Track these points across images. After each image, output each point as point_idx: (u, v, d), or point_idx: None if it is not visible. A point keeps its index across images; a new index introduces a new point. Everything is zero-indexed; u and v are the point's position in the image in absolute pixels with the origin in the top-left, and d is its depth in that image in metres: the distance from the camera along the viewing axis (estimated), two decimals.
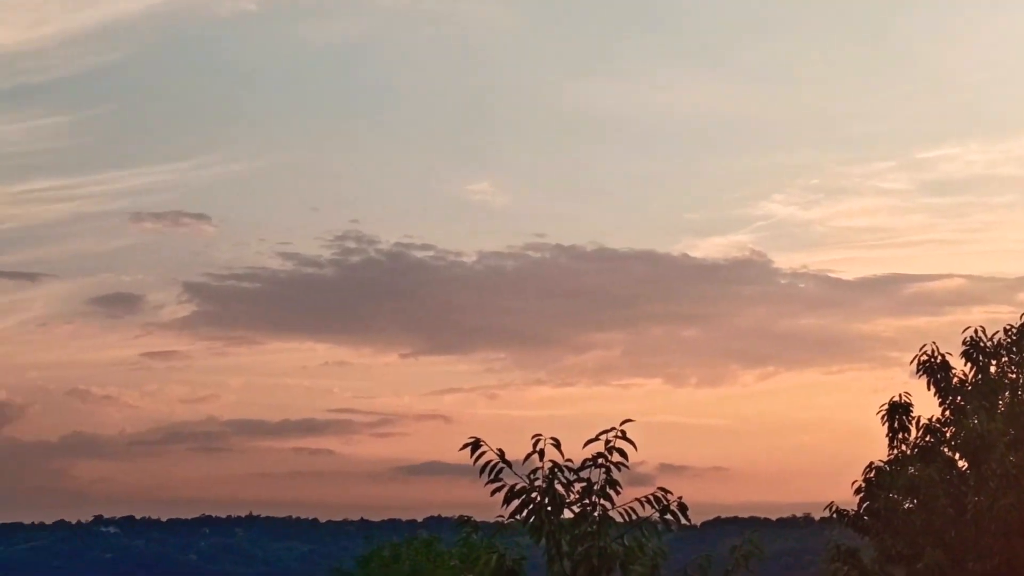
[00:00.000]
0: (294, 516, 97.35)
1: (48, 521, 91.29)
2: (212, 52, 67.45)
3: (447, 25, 68.02)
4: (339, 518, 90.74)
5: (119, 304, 63.96)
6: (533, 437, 6.43)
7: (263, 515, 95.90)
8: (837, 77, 68.23)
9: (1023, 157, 63.32)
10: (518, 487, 6.44)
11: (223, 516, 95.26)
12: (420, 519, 64.62)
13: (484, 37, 68.13)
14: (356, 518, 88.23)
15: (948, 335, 23.81)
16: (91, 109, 65.88)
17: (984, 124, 65.35)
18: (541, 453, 6.37)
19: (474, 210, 65.43)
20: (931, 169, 65.43)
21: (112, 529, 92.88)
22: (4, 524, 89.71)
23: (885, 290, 63.32)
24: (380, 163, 66.20)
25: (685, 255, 64.35)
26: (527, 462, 6.36)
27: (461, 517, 6.80)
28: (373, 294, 65.20)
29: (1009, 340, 23.48)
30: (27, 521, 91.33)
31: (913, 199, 64.74)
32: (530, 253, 64.54)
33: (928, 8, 69.16)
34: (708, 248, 66.24)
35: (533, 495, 6.40)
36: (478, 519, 6.67)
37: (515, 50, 68.82)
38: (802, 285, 64.15)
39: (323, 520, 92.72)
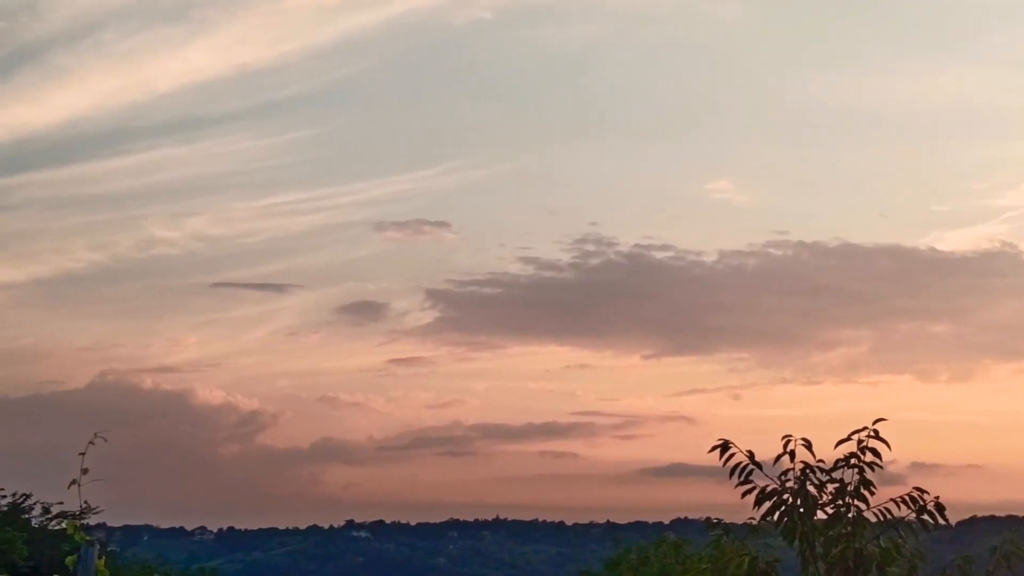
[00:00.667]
0: (540, 519, 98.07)
1: (302, 526, 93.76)
2: (448, 61, 68.57)
3: (680, 24, 67.85)
4: (585, 521, 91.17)
5: (364, 312, 65.53)
6: (783, 438, 6.35)
7: (510, 518, 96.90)
8: None
9: None
10: (769, 489, 6.37)
11: (470, 519, 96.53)
12: (666, 521, 64.62)
13: (718, 34, 67.81)
14: (602, 520, 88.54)
15: None
16: (333, 122, 67.72)
17: None
18: (792, 454, 6.30)
19: (713, 209, 65.37)
20: None
21: (363, 533, 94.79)
22: (260, 529, 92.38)
23: None
24: (617, 165, 66.55)
25: (932, 248, 63.04)
26: (777, 463, 6.29)
27: (710, 519, 6.74)
28: (613, 296, 65.47)
29: None
30: (282, 526, 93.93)
31: None
32: (771, 251, 64.00)
33: None
34: (955, 241, 65.05)
35: (785, 497, 6.32)
36: (726, 521, 6.62)
37: (751, 45, 68.32)
38: None
39: (569, 523, 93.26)
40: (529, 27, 68.18)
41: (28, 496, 22.56)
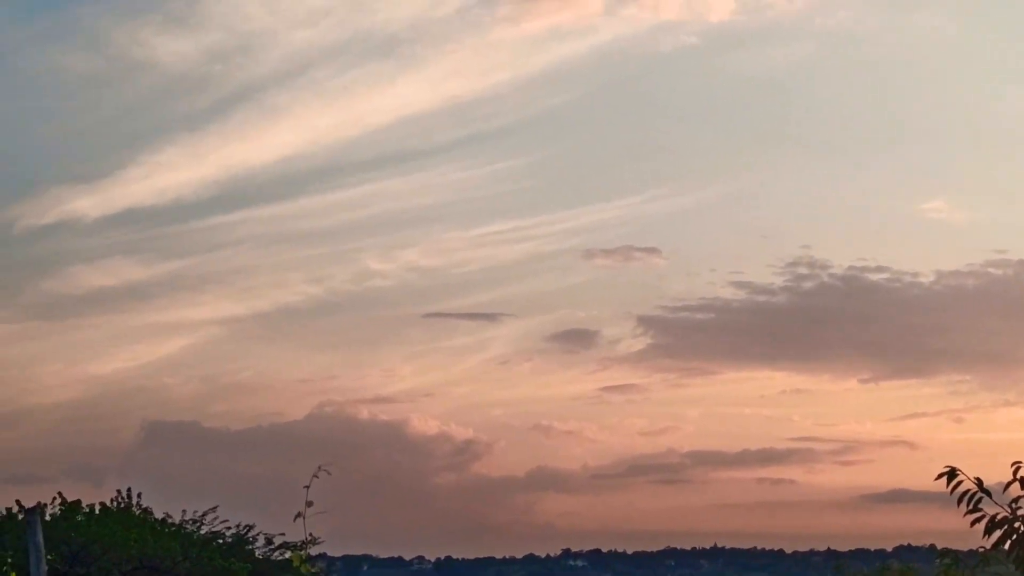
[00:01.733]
0: (759, 547, 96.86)
1: (519, 555, 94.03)
2: (655, 88, 68.52)
3: (887, 41, 66.80)
4: (805, 548, 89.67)
5: (576, 340, 65.78)
6: (1013, 464, 6.16)
7: (728, 546, 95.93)
8: None
9: None
10: (999, 517, 6.19)
11: (687, 548, 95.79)
12: (889, 549, 63.18)
13: (927, 49, 66.54)
14: (822, 548, 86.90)
15: None
16: (542, 151, 68.32)
17: None
18: (1023, 481, 6.10)
19: (929, 228, 64.05)
20: None
21: (580, 563, 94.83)
22: (477, 559, 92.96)
23: None
24: (828, 187, 65.71)
25: None
26: (1007, 490, 6.09)
27: (940, 548, 6.55)
28: (828, 319, 64.61)
29: None
30: (499, 555, 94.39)
31: None
32: (991, 270, 62.38)
33: None
34: None
35: (1016, 525, 6.14)
36: (954, 549, 6.41)
37: (962, 60, 66.89)
38: None
39: (788, 551, 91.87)
40: (734, 50, 67.84)
41: (251, 527, 23.02)
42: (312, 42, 67.73)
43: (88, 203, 72.38)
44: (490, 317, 65.36)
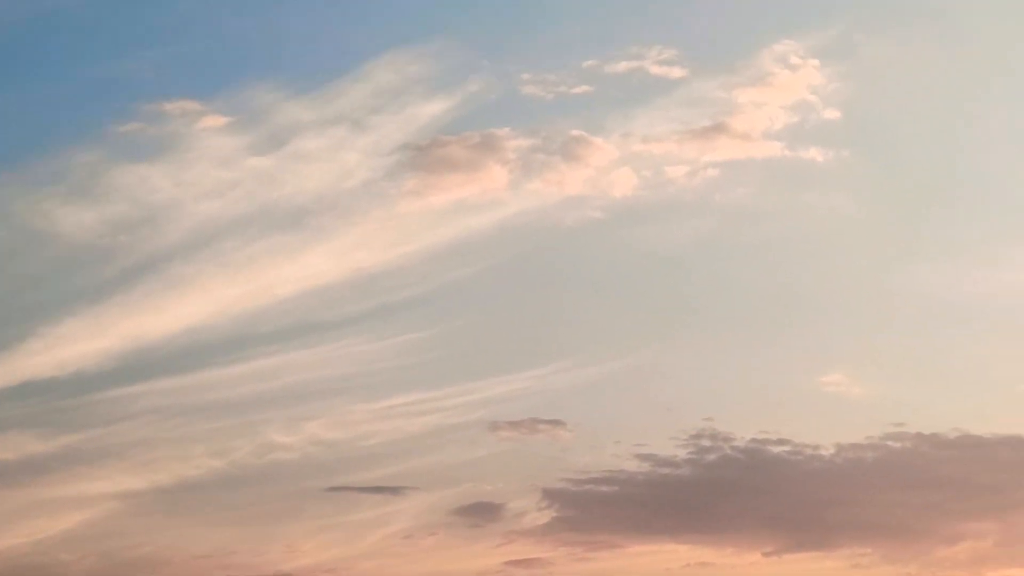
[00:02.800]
0: None
1: None
2: (561, 261, 69.38)
3: (786, 218, 68.23)
4: None
5: (480, 513, 65.47)
6: None
7: None
8: None
9: None
10: None
11: None
12: None
13: (825, 227, 68.00)
14: None
15: None
16: (448, 323, 68.73)
17: None
18: None
19: (828, 402, 65.02)
20: None
21: None
22: None
23: None
24: (729, 360, 66.56)
25: None
26: None
27: None
28: (732, 492, 64.89)
29: None
30: None
31: None
32: (890, 443, 63.18)
33: None
34: None
35: None
36: None
37: (858, 237, 68.41)
38: None
39: None
40: (637, 225, 68.97)
41: None
42: (218, 213, 68.08)
43: None
44: (394, 491, 65.10)
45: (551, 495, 63.99)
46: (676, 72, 67.38)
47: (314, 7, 73.63)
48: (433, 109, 69.26)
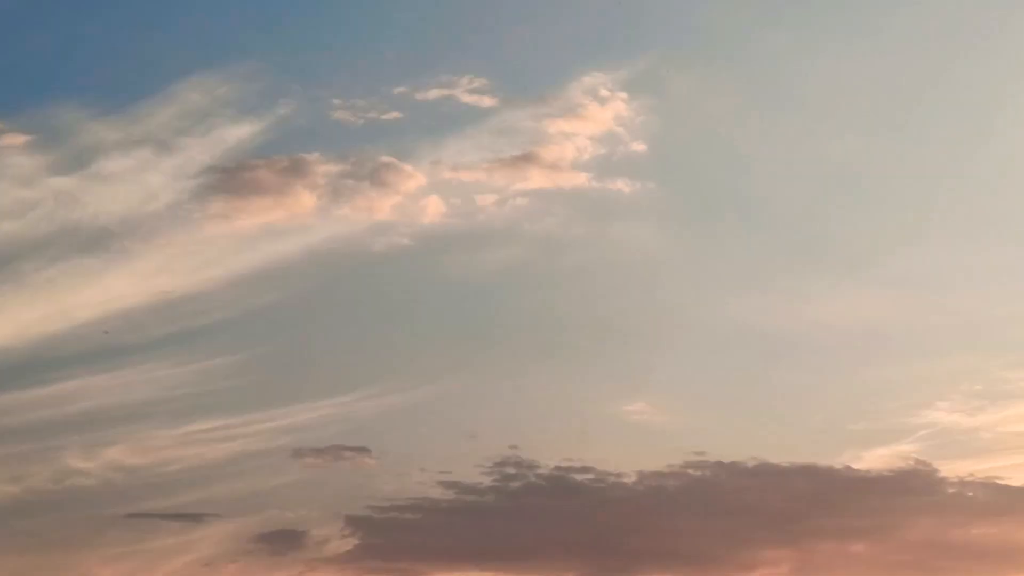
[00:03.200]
0: None
1: None
2: (367, 288, 69.13)
3: (595, 248, 68.98)
4: None
5: (283, 541, 64.74)
6: None
7: None
8: (993, 280, 67.60)
9: None
10: None
11: None
12: None
13: (633, 257, 68.91)
14: None
15: None
16: (253, 349, 67.83)
17: None
18: None
19: (632, 430, 65.70)
20: None
21: None
22: None
23: None
24: (536, 388, 66.98)
25: (848, 467, 63.44)
26: None
27: None
28: (535, 519, 65.18)
29: None
30: None
31: None
32: (690, 471, 64.06)
33: None
34: (871, 460, 65.58)
35: None
36: None
37: (663, 268, 69.43)
38: (970, 494, 62.79)
39: None
40: (445, 253, 69.07)
41: None
42: (18, 234, 66.46)
43: None
44: (196, 518, 64.07)
45: (355, 522, 63.61)
46: (487, 101, 67.79)
47: (121, 26, 72.47)
48: (241, 132, 68.62)
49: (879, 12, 70.95)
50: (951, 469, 63.69)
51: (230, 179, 67.72)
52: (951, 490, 63.72)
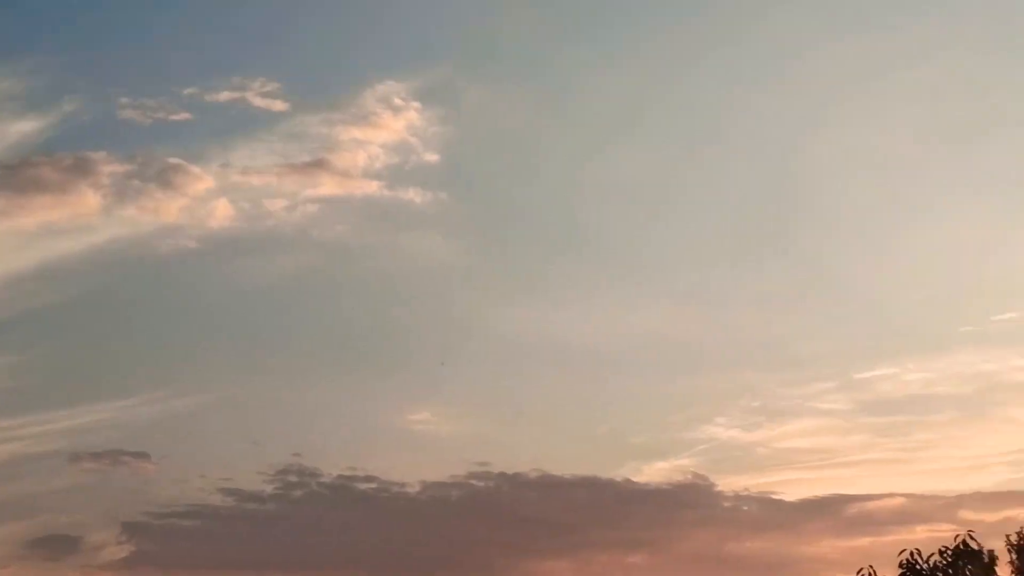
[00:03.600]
0: None
1: None
2: (153, 291, 68.05)
3: (384, 258, 69.00)
4: None
5: (57, 546, 63.40)
6: None
7: None
8: (773, 299, 69.35)
9: (960, 375, 64.51)
10: None
11: None
12: None
13: (422, 267, 69.11)
14: None
15: (891, 555, 24.05)
16: (32, 350, 66.21)
17: (920, 344, 66.53)
18: None
19: (417, 440, 65.75)
20: (869, 389, 66.18)
21: None
22: None
23: (828, 511, 63.61)
24: (321, 395, 66.63)
25: (628, 480, 64.46)
26: None
27: None
28: (316, 528, 64.86)
29: (945, 561, 23.83)
30: None
31: (853, 419, 65.46)
32: (473, 482, 64.43)
33: (860, 230, 70.93)
34: (651, 473, 66.65)
35: None
36: None
37: (454, 281, 69.77)
38: (745, 508, 64.24)
39: None
40: (234, 258, 68.38)
41: None
42: None
43: None
44: None
45: (131, 528, 62.46)
46: (278, 105, 67.27)
47: None
48: (23, 128, 67.00)
49: (673, 30, 72.26)
50: (728, 483, 65.06)
51: (11, 176, 66.06)
52: (727, 504, 65.08)
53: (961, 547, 23.63)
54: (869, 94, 68.84)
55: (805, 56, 69.69)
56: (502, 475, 64.73)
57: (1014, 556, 25.15)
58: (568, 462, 65.99)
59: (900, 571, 23.21)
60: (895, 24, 67.80)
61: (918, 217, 69.44)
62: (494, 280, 70.38)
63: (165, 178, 66.27)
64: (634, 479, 65.26)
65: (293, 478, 63.08)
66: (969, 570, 23.09)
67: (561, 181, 71.13)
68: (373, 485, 63.23)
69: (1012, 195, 68.13)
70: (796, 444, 66.65)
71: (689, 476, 65.64)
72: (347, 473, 63.47)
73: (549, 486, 64.22)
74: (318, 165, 67.09)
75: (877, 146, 69.04)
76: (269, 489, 63.33)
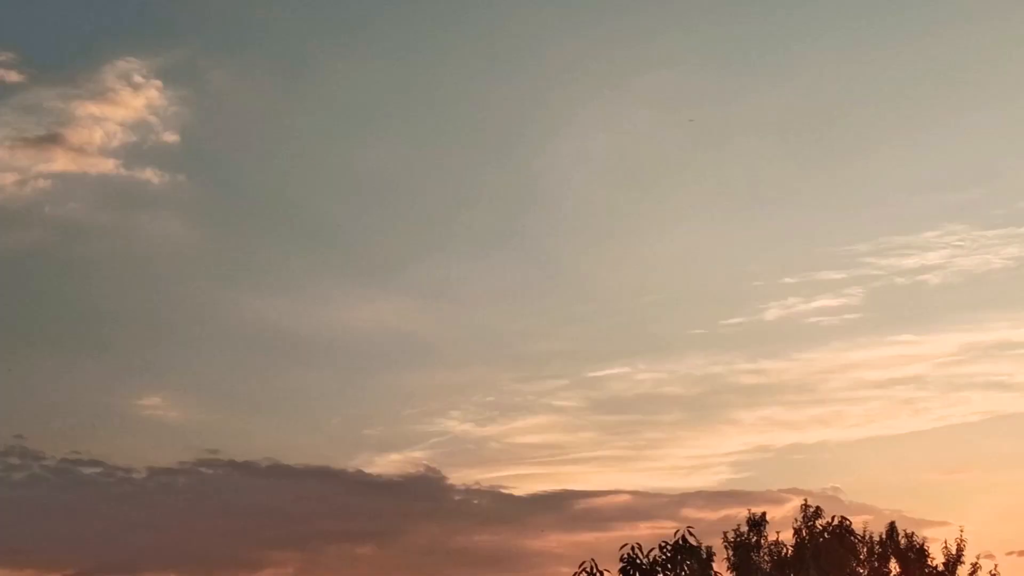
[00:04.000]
0: None
1: None
2: None
3: (119, 238, 67.52)
4: None
5: None
6: None
7: None
8: (511, 297, 70.11)
9: (688, 376, 66.20)
10: None
11: None
12: None
13: (158, 251, 67.83)
14: None
15: (614, 550, 24.52)
16: None
17: (650, 344, 68.03)
18: None
19: (146, 425, 64.45)
20: (601, 388, 67.42)
21: None
22: None
23: (555, 506, 64.60)
24: (48, 377, 64.82)
25: (360, 471, 64.37)
26: None
27: None
28: (39, 513, 63.12)
29: (665, 556, 24.42)
30: None
31: (584, 416, 66.63)
32: (203, 469, 63.48)
33: (598, 233, 72.15)
34: (384, 464, 66.62)
35: None
36: None
37: (189, 265, 68.62)
38: (476, 501, 64.77)
39: None
40: None
41: None
42: None
43: None
44: None
45: None
46: (13, 76, 65.10)
47: None
48: None
49: (423, 22, 72.29)
50: (459, 477, 65.54)
51: None
52: (458, 497, 65.55)
53: (680, 543, 24.23)
54: (611, 98, 70.03)
55: (551, 57, 70.49)
56: (232, 463, 64.02)
57: (730, 552, 25.97)
58: (301, 452, 65.67)
59: (621, 565, 23.65)
60: (638, 28, 69.08)
61: (654, 222, 71.00)
62: (231, 267, 69.57)
63: None
64: (366, 470, 65.25)
65: (15, 460, 61.32)
66: (687, 565, 23.69)
67: (303, 169, 70.61)
68: (98, 470, 61.85)
69: (742, 204, 70.11)
70: (528, 440, 67.51)
71: (422, 469, 65.92)
72: (71, 457, 61.95)
73: (280, 476, 63.76)
74: (52, 140, 65.26)
75: (616, 150, 70.32)
76: None
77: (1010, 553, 33.16)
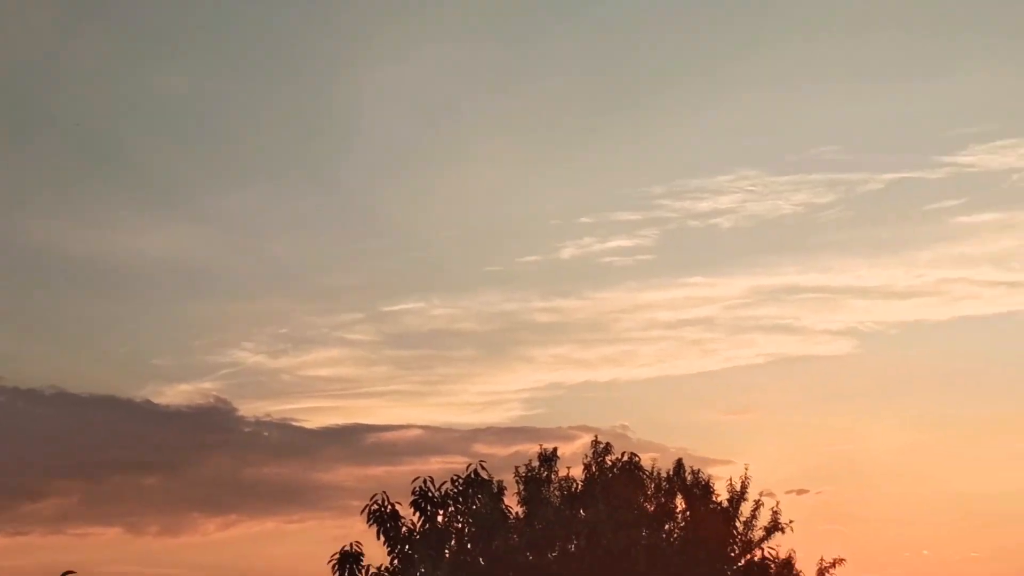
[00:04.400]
0: None
1: None
2: None
3: None
4: None
5: None
6: None
7: None
8: (306, 228, 69.34)
9: (483, 313, 66.38)
10: None
11: None
12: None
13: None
14: None
15: (406, 484, 24.52)
16: None
17: (445, 280, 67.95)
18: None
19: None
20: (396, 322, 67.21)
21: None
22: None
23: (347, 439, 64.35)
24: None
25: (148, 401, 63.30)
26: None
27: None
28: None
29: (456, 490, 24.54)
30: None
31: (378, 351, 66.34)
32: None
33: (395, 167, 71.61)
34: (173, 395, 65.52)
35: None
36: None
37: None
38: (266, 434, 64.24)
39: None
40: None
41: None
42: None
43: None
44: None
45: None
46: None
47: None
48: None
49: None
50: (250, 409, 64.98)
51: None
52: (248, 429, 65.02)
53: (472, 476, 24.36)
54: (411, 30, 69.30)
55: None
56: (15, 390, 62.56)
57: (521, 487, 26.12)
58: (87, 381, 64.38)
59: (413, 497, 23.63)
60: None
61: (452, 157, 70.62)
62: (14, 187, 67.63)
63: None
64: (155, 400, 64.30)
65: None
66: (479, 498, 23.83)
67: (94, 92, 68.74)
68: None
69: (541, 142, 70.21)
70: (321, 372, 67.15)
71: (211, 400, 65.17)
72: None
73: (65, 404, 62.46)
74: None
75: (413, 82, 69.73)
76: None
77: (789, 492, 34.00)
